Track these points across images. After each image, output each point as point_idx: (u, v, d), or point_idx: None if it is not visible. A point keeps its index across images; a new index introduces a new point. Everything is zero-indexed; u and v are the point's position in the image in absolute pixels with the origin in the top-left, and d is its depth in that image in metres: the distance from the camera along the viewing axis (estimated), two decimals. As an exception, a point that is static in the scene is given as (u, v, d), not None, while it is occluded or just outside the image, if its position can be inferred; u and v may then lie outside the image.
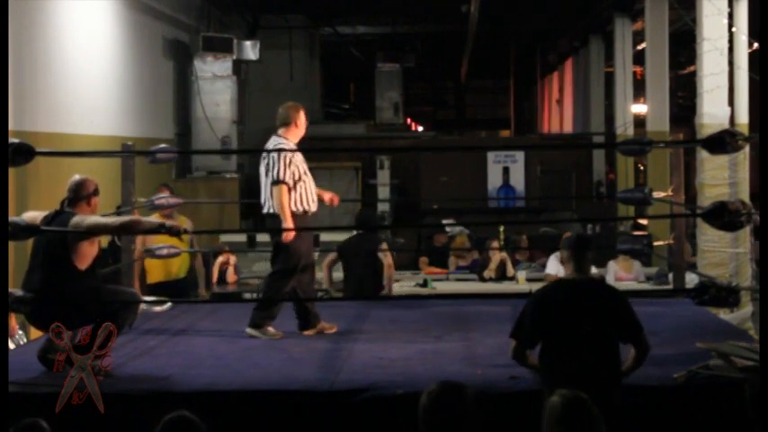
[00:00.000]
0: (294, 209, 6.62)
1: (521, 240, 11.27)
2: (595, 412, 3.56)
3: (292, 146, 6.70)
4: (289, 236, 6.58)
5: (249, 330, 6.69)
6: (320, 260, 9.37)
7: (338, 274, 9.06)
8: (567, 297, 4.78)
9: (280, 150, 6.59)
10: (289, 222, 6.56)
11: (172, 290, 8.78)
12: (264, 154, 6.71)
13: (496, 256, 10.39)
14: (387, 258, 8.65)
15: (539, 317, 4.79)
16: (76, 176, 5.65)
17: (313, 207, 6.77)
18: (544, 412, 3.60)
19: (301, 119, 6.80)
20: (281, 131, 6.77)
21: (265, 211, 6.75)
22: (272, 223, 6.74)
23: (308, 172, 6.74)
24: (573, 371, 4.61)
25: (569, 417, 3.54)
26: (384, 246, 8.91)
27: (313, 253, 7.05)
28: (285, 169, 6.57)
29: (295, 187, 6.63)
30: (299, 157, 6.68)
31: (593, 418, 3.55)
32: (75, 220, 5.41)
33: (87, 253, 5.47)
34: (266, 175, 6.65)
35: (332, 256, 8.76)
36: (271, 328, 6.71)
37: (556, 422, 3.54)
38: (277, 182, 6.57)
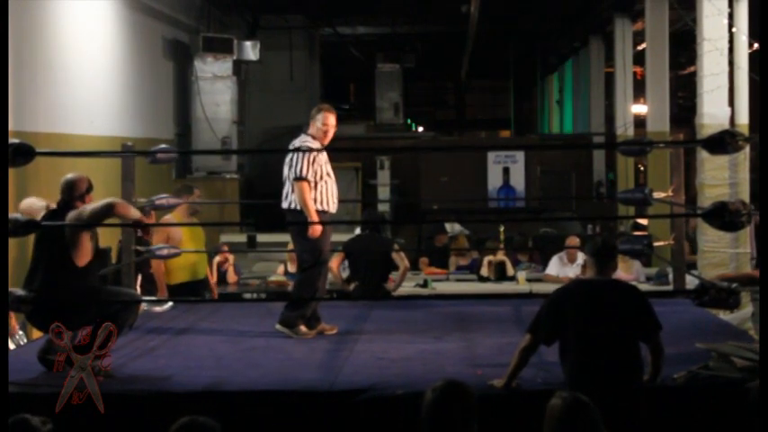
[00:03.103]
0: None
1: (522, 241, 11.26)
2: (595, 415, 3.57)
3: (318, 145, 6.75)
4: (316, 231, 6.62)
5: (279, 327, 6.71)
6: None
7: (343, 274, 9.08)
8: (587, 296, 4.82)
9: (293, 150, 6.64)
10: (314, 218, 6.60)
11: (194, 290, 8.82)
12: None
13: (490, 256, 10.40)
14: (405, 261, 8.68)
15: (556, 315, 4.82)
16: (68, 176, 5.63)
17: (332, 208, 6.79)
18: (546, 413, 3.62)
19: (328, 120, 6.83)
20: (309, 130, 6.83)
21: (285, 206, 6.78)
22: (292, 219, 6.77)
23: (331, 174, 6.79)
24: (591, 370, 4.62)
25: (568, 419, 3.55)
26: (396, 246, 8.93)
27: (329, 252, 7.09)
28: (308, 167, 6.62)
29: (315, 186, 6.66)
30: (323, 157, 6.72)
31: (593, 421, 3.55)
32: (73, 214, 5.42)
33: (86, 248, 5.47)
34: (289, 170, 6.69)
35: (340, 255, 8.77)
36: (302, 327, 6.73)
37: (555, 423, 3.55)
38: (299, 178, 6.62)
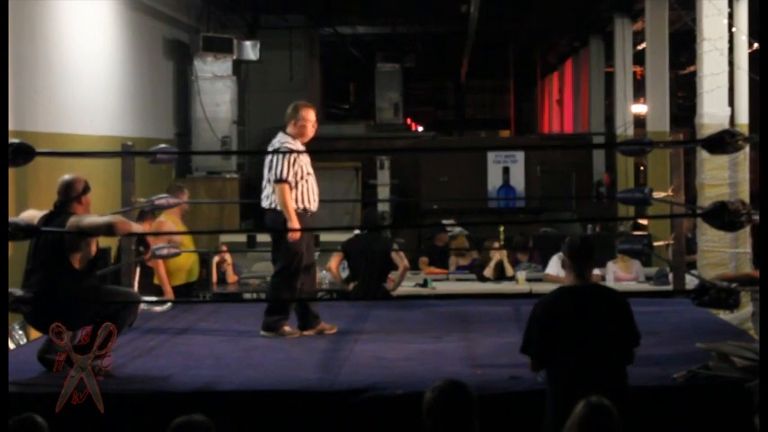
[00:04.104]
0: (294, 207, 6.64)
1: (523, 241, 11.24)
2: (616, 417, 3.53)
3: (298, 144, 6.73)
4: (295, 235, 6.62)
5: (264, 333, 6.69)
6: (325, 260, 9.37)
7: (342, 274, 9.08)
8: (571, 305, 4.66)
9: (283, 151, 6.61)
10: (294, 222, 6.59)
11: (191, 291, 8.89)
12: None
13: (496, 256, 10.38)
14: (404, 261, 8.68)
15: (546, 329, 4.63)
16: (65, 177, 5.63)
17: (313, 206, 6.79)
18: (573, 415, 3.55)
19: (307, 117, 6.80)
20: (288, 129, 6.79)
21: (266, 205, 6.77)
22: (271, 218, 6.76)
23: (311, 172, 6.77)
24: (580, 376, 4.52)
25: (594, 423, 3.50)
26: (396, 246, 8.93)
27: (313, 252, 7.07)
28: (289, 168, 6.60)
29: (296, 185, 6.65)
30: (304, 156, 6.70)
31: (616, 423, 3.52)
32: (72, 221, 5.42)
33: (85, 253, 5.48)
34: (269, 171, 6.67)
35: (339, 255, 8.77)
36: (287, 328, 6.73)
37: (579, 428, 3.50)
38: (279, 180, 6.59)
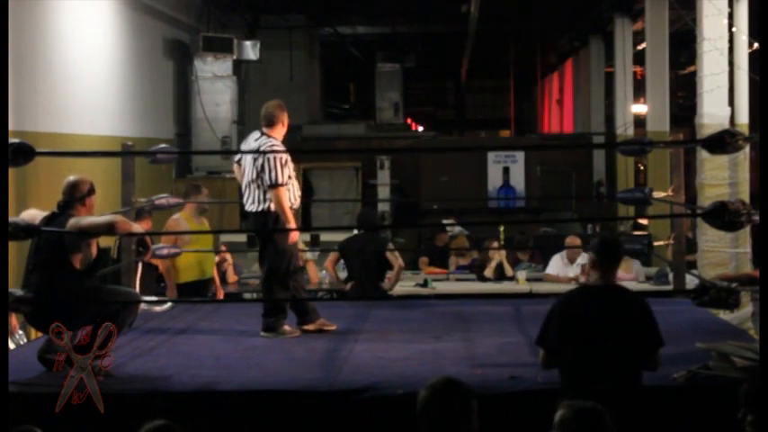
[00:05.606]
0: None
1: (524, 240, 11.25)
2: (607, 423, 3.52)
3: (283, 146, 6.75)
4: (295, 236, 6.63)
5: (264, 334, 6.70)
6: (322, 260, 9.38)
7: (341, 274, 9.09)
8: (590, 305, 4.65)
9: (275, 152, 6.64)
10: (292, 223, 6.61)
11: (202, 288, 8.87)
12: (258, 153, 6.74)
13: (495, 256, 10.39)
14: (398, 260, 8.68)
15: (564, 324, 4.63)
16: (70, 178, 5.63)
17: (297, 205, 6.82)
18: (555, 421, 3.55)
19: (286, 118, 6.83)
20: (267, 131, 6.77)
21: (254, 209, 6.75)
22: (259, 221, 6.76)
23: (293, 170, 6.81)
24: (594, 378, 4.51)
25: (580, 429, 3.49)
26: (391, 246, 8.93)
27: (298, 253, 7.09)
28: (282, 171, 6.60)
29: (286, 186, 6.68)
30: (288, 157, 6.72)
31: (605, 429, 3.50)
32: (72, 221, 5.42)
33: (85, 254, 5.48)
34: (257, 175, 6.65)
35: (334, 255, 8.77)
36: (287, 327, 6.73)
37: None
38: (277, 185, 6.58)
